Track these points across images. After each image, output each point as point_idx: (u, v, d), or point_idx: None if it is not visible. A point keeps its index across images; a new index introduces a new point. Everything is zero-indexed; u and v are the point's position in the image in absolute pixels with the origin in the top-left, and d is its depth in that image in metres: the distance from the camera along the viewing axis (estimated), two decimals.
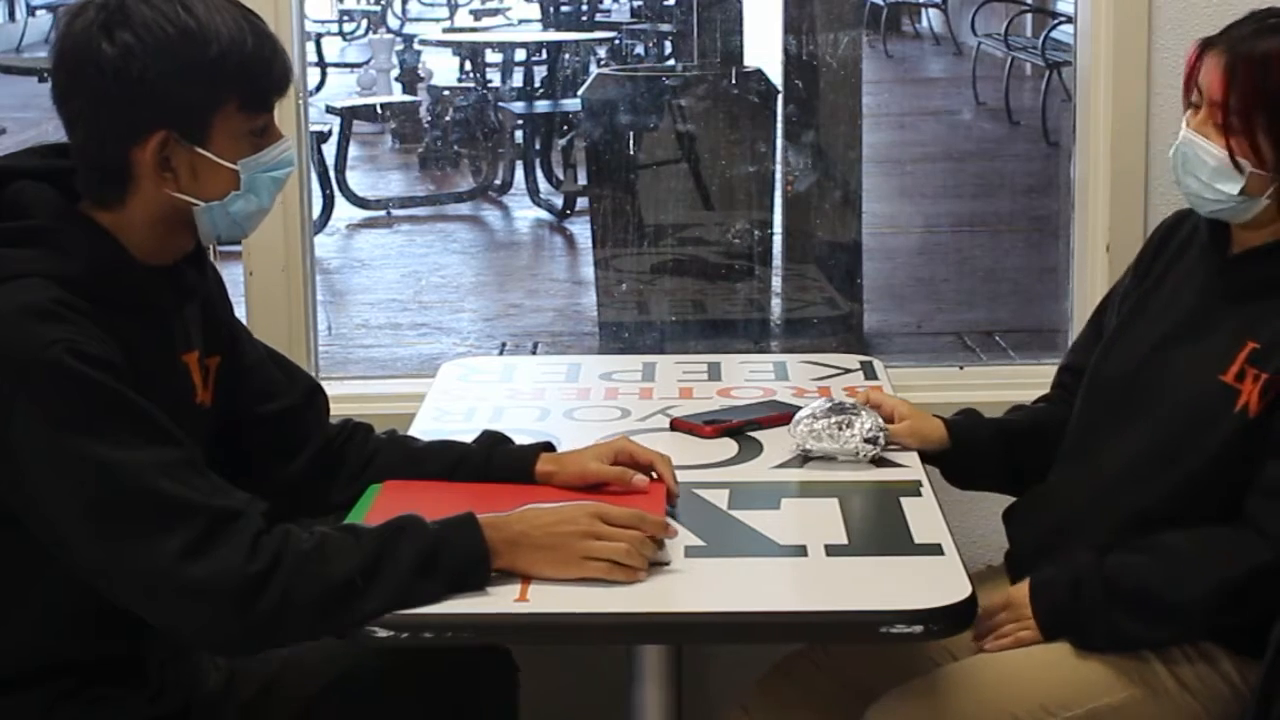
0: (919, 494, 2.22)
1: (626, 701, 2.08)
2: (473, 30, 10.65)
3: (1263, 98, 2.14)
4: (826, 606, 1.94)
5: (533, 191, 7.64)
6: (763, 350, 4.98)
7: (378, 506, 2.13)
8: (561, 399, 2.68)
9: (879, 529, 2.14)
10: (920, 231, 7.31)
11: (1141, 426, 2.24)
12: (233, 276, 2.45)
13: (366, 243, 7.49)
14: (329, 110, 8.14)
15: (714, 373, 2.84)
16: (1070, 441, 2.38)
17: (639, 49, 8.24)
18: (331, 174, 7.41)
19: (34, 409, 1.81)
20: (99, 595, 1.87)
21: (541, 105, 8.01)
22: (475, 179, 8.08)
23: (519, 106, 7.99)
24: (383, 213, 7.76)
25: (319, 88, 9.87)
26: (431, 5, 12.17)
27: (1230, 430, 2.15)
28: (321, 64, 10.20)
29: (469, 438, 2.28)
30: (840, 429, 2.33)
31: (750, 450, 2.40)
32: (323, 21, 11.37)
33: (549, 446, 2.26)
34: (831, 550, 2.03)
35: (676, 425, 2.51)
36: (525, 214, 7.78)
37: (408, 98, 9.47)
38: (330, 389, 2.36)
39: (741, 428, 2.47)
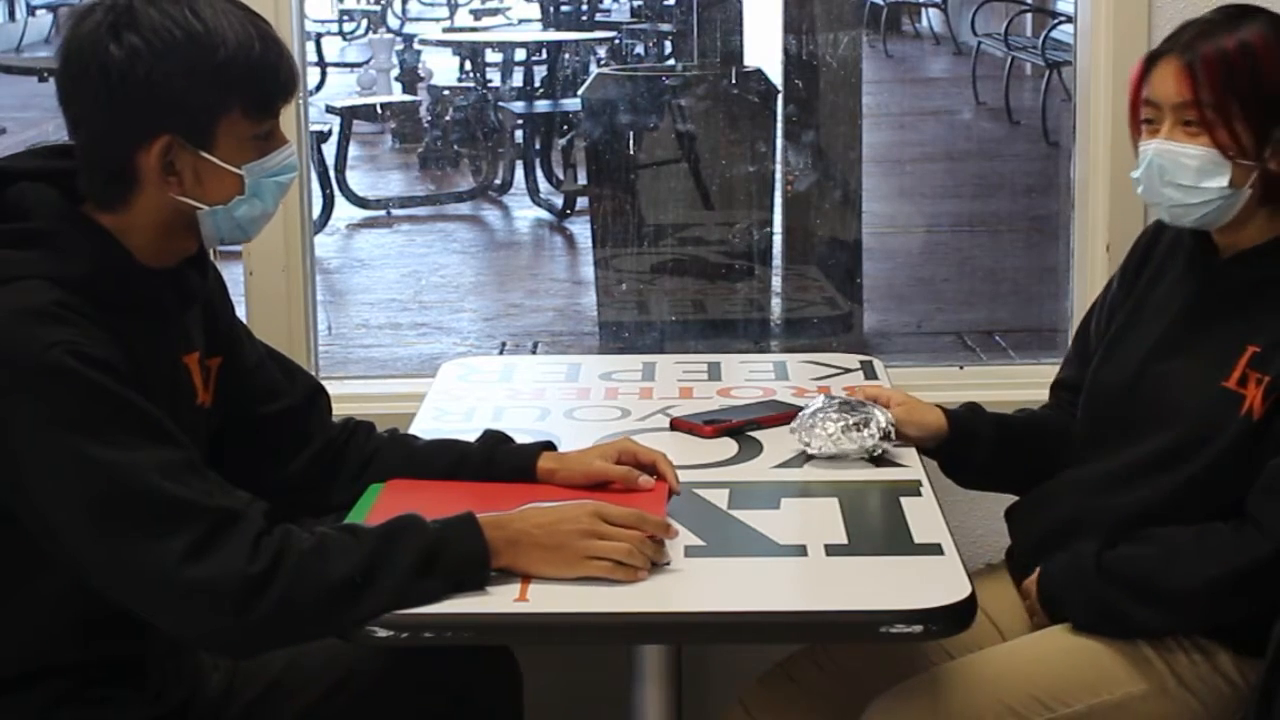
0: (919, 494, 2.22)
1: (626, 701, 2.08)
2: (473, 30, 10.64)
3: (1232, 86, 2.16)
4: (826, 606, 1.94)
5: (533, 191, 7.64)
6: (763, 350, 4.98)
7: (379, 506, 2.13)
8: (561, 399, 2.69)
9: (879, 529, 2.14)
10: (920, 231, 7.31)
11: (1146, 434, 2.25)
12: (233, 276, 2.45)
13: (366, 243, 7.49)
14: (329, 110, 8.14)
15: (714, 372, 2.84)
16: (1074, 447, 2.39)
17: (639, 49, 8.24)
18: (331, 174, 7.41)
19: (35, 411, 1.81)
20: (99, 596, 1.87)
21: (541, 105, 8.01)
22: (475, 179, 8.08)
23: (519, 106, 7.99)
24: (383, 212, 7.76)
25: (319, 87, 9.87)
26: (431, 5, 12.16)
27: (1235, 435, 2.15)
28: (321, 64, 10.20)
29: (469, 437, 2.28)
30: (858, 429, 2.32)
31: (750, 450, 2.41)
32: (323, 21, 11.37)
33: (550, 446, 2.27)
34: (831, 550, 2.03)
35: (676, 425, 2.51)
36: (525, 214, 7.78)
37: (408, 98, 9.46)
38: (330, 389, 2.35)
39: (741, 428, 2.48)
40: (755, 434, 2.46)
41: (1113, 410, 2.32)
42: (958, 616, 1.88)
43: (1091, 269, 2.96)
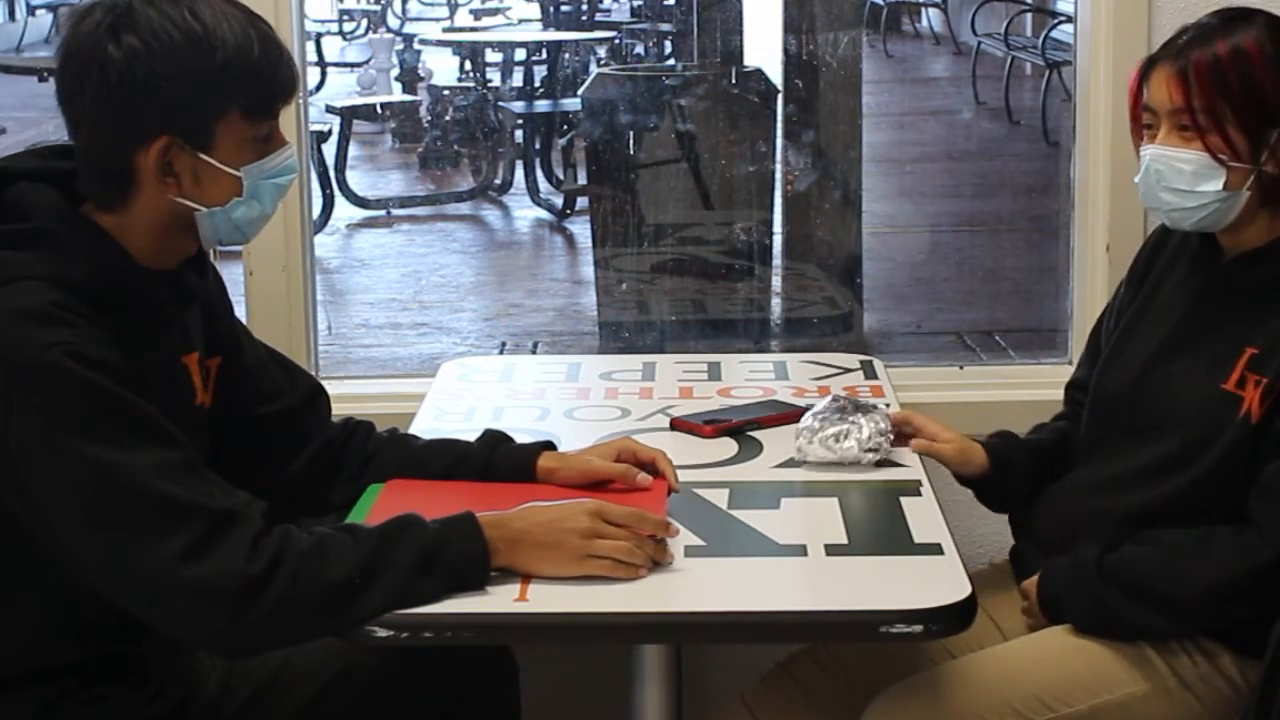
0: (919, 494, 2.22)
1: (626, 701, 2.08)
2: (473, 30, 10.63)
3: (1224, 92, 2.15)
4: (826, 606, 1.94)
5: (533, 191, 7.63)
6: (763, 350, 4.97)
7: (379, 506, 2.13)
8: (561, 399, 2.69)
9: (879, 529, 2.14)
10: (920, 231, 7.30)
11: (1147, 438, 2.25)
12: (233, 276, 2.45)
13: (366, 242, 7.49)
14: (329, 110, 8.13)
15: (714, 372, 2.84)
16: (1078, 450, 2.39)
17: (639, 49, 8.23)
18: (331, 174, 7.41)
19: (33, 411, 1.81)
20: (98, 596, 1.87)
21: (541, 105, 8.01)
22: (475, 179, 8.08)
23: (519, 106, 7.99)
24: (383, 212, 7.76)
25: (319, 87, 9.86)
26: (431, 5, 12.16)
27: (1234, 437, 2.15)
28: (321, 64, 10.19)
29: (469, 437, 2.28)
30: (838, 440, 2.31)
31: (750, 450, 2.41)
32: (323, 21, 11.36)
33: (550, 445, 2.26)
34: (831, 550, 2.03)
35: (676, 425, 2.51)
36: (525, 213, 7.78)
37: (408, 97, 9.46)
38: (330, 389, 2.36)
39: (741, 427, 2.48)
40: (755, 434, 2.46)
41: (1116, 413, 2.32)
42: (958, 616, 1.89)
43: (1091, 269, 2.96)
